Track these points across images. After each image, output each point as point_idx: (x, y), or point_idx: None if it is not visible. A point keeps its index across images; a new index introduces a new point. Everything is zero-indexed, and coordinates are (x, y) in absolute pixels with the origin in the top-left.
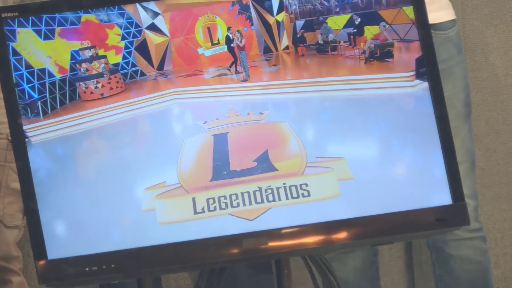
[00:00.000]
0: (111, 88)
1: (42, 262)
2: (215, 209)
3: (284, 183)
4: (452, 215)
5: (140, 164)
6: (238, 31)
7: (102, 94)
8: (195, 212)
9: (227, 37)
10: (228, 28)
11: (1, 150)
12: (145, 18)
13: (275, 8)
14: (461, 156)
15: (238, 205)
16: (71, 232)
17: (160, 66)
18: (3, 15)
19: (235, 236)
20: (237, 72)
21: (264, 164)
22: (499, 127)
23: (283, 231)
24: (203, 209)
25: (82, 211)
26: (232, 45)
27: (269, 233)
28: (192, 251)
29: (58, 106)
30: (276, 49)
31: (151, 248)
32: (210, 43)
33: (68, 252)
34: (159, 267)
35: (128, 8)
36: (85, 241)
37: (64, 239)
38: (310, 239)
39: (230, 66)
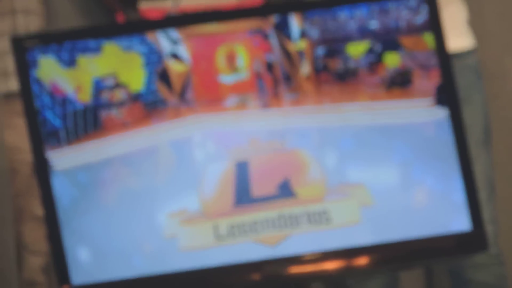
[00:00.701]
0: (133, 116)
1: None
2: (236, 235)
3: (305, 210)
4: (472, 241)
5: (162, 191)
6: (256, 59)
7: (124, 122)
8: (217, 239)
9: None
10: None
11: (25, 178)
12: (166, 46)
13: (296, 35)
14: (481, 182)
15: (259, 231)
16: (95, 258)
17: (181, 94)
18: (25, 43)
19: (257, 263)
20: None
21: (285, 191)
22: None
23: (304, 258)
24: (225, 235)
25: (105, 237)
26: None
27: (290, 260)
28: (214, 277)
29: (81, 134)
30: (297, 77)
31: (173, 275)
32: (231, 71)
33: (92, 278)
34: None
35: (150, 36)
36: (108, 267)
37: (88, 264)
38: (330, 265)
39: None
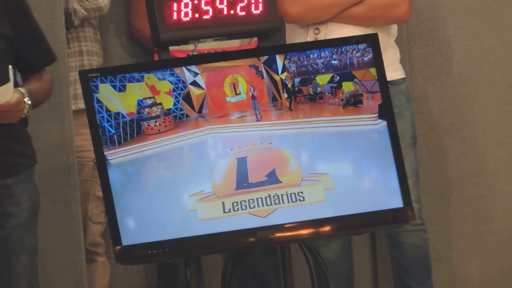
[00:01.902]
0: (165, 126)
1: (118, 247)
2: (238, 209)
3: (286, 191)
4: (403, 214)
5: (185, 178)
6: (251, 86)
7: (159, 130)
8: (224, 212)
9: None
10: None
11: (89, 169)
12: (188, 77)
13: (279, 69)
14: (409, 173)
15: (254, 207)
16: (138, 226)
17: (200, 110)
18: (89, 75)
19: (252, 229)
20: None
21: (273, 178)
22: (435, 153)
23: (286, 226)
24: (229, 209)
25: (145, 211)
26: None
27: (276, 227)
28: (223, 239)
29: (129, 139)
30: (281, 98)
31: (194, 238)
32: (234, 93)
33: (136, 240)
34: (199, 251)
35: (177, 70)
36: (148, 233)
37: (133, 231)
38: (305, 231)
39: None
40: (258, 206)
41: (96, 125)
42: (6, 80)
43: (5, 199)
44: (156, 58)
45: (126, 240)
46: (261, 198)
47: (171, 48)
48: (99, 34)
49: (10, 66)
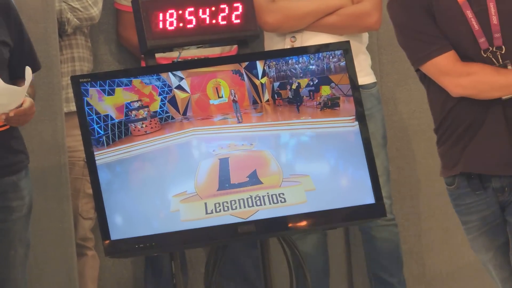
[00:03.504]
0: (151, 127)
1: (107, 242)
2: (220, 211)
3: (267, 193)
4: (375, 210)
5: (170, 178)
6: (232, 90)
7: (146, 131)
8: (206, 213)
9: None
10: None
11: (80, 168)
12: (174, 81)
13: (259, 74)
14: (380, 171)
15: (236, 208)
16: (126, 222)
17: (184, 113)
18: (81, 80)
19: (233, 224)
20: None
21: (254, 179)
22: (404, 152)
23: (265, 221)
24: (212, 210)
25: (132, 208)
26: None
27: (255, 222)
28: (206, 234)
29: (117, 139)
30: (261, 101)
31: (178, 232)
32: (217, 96)
33: (124, 235)
34: (184, 245)
35: (163, 75)
36: (135, 228)
37: (121, 226)
38: (283, 226)
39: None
40: (240, 207)
41: (86, 127)
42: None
43: (12, 193)
44: (143, 64)
45: (115, 235)
46: (243, 199)
47: (157, 55)
48: (90, 42)
49: (28, 67)
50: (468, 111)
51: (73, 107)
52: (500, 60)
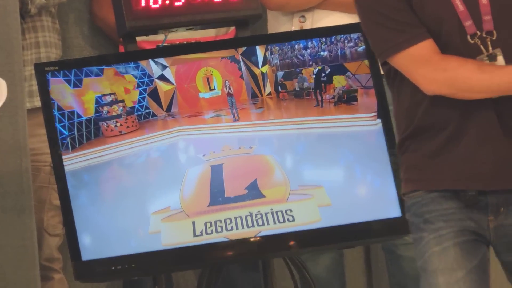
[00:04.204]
0: (128, 127)
1: (77, 262)
2: (212, 232)
3: (271, 209)
4: (401, 225)
5: (150, 190)
6: (226, 81)
7: (120, 132)
8: (195, 235)
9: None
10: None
11: (45, 175)
12: (156, 70)
13: (260, 62)
14: None
15: (232, 228)
16: (100, 239)
17: (168, 109)
18: (46, 68)
19: (229, 242)
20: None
21: (254, 192)
22: None
23: (268, 237)
24: (201, 232)
25: (106, 224)
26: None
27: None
28: (196, 253)
29: (85, 142)
30: (261, 95)
31: (162, 252)
32: (208, 89)
33: (98, 255)
34: (169, 267)
35: (142, 62)
36: (110, 246)
37: (94, 244)
38: (289, 244)
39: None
40: (237, 228)
41: (53, 125)
42: None
43: None
44: (122, 50)
45: (86, 255)
46: (241, 217)
47: (138, 38)
48: (58, 24)
49: None
50: (451, 112)
51: (37, 102)
52: (490, 48)
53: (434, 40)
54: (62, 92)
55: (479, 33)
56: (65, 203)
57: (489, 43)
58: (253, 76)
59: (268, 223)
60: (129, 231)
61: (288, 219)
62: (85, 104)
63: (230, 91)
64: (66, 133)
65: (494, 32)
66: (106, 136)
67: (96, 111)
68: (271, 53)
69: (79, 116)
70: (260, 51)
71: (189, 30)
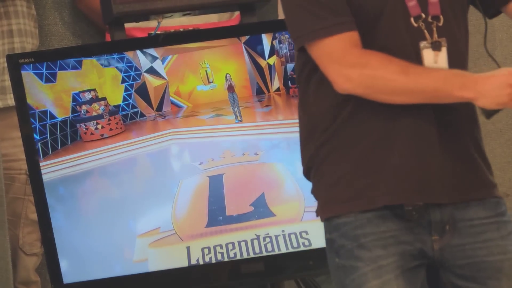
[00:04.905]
0: (111, 129)
1: (58, 286)
2: (210, 260)
3: (283, 230)
4: None
5: (137, 206)
6: (228, 74)
7: (102, 135)
8: (190, 264)
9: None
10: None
11: (21, 185)
12: (144, 62)
13: (266, 52)
14: None
15: (234, 255)
16: (82, 261)
17: (159, 108)
18: (20, 60)
19: (234, 261)
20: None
21: (261, 209)
22: None
23: (277, 256)
24: (197, 260)
25: (86, 244)
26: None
27: (264, 259)
28: (193, 275)
29: (59, 147)
30: (268, 91)
31: (152, 274)
32: (206, 81)
33: (80, 277)
34: None
35: (128, 53)
36: (94, 269)
37: (77, 266)
38: (301, 264)
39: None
40: (241, 255)
41: (29, 127)
42: None
43: None
44: (109, 38)
45: (68, 277)
46: (245, 241)
47: (127, 25)
48: (34, 9)
49: None
50: (383, 112)
51: (10, 101)
52: (435, 35)
53: (375, 24)
54: (32, 88)
55: (423, 15)
56: (44, 218)
57: (434, 29)
58: (259, 68)
59: (279, 249)
60: (111, 255)
61: (303, 244)
62: (60, 102)
63: (232, 85)
64: (37, 137)
65: (441, 17)
66: (85, 140)
67: (73, 110)
68: (280, 42)
69: (52, 116)
70: (266, 39)
71: (186, 15)
